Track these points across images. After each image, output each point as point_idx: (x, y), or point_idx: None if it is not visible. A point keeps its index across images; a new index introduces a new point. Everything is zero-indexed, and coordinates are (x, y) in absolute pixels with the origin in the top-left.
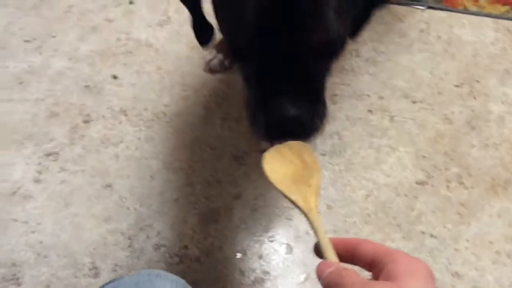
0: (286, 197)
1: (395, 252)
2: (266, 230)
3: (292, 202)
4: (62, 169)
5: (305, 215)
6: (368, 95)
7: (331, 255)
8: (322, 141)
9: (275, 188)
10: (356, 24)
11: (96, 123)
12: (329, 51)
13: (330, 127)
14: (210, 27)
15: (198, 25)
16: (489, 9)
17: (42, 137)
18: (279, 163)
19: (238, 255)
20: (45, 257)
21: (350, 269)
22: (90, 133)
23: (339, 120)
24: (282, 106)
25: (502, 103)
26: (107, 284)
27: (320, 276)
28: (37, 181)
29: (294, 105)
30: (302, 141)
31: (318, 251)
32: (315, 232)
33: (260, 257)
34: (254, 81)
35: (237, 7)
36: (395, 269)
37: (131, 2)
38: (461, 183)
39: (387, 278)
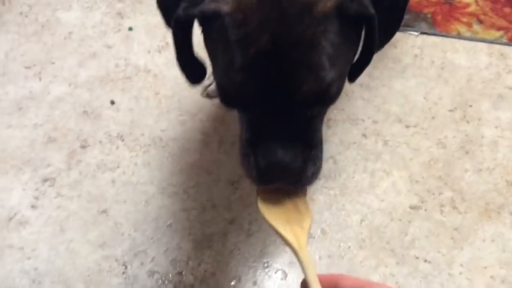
0: (278, 233)
1: (374, 285)
2: (260, 256)
3: (284, 239)
4: (59, 195)
5: (296, 253)
6: (362, 120)
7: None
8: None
9: (269, 224)
10: (356, 67)
11: (93, 149)
12: (323, 99)
13: (325, 151)
14: (201, 65)
15: (188, 63)
16: (483, 34)
17: (40, 163)
18: (272, 202)
19: (233, 282)
20: (39, 283)
21: None
22: (86, 158)
23: (334, 144)
24: (274, 152)
25: (496, 127)
26: None
27: None
28: (33, 206)
29: (286, 151)
30: (296, 187)
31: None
32: (304, 270)
33: (255, 283)
34: (246, 124)
35: (226, 55)
36: None
37: (130, 29)
38: (455, 208)
39: None
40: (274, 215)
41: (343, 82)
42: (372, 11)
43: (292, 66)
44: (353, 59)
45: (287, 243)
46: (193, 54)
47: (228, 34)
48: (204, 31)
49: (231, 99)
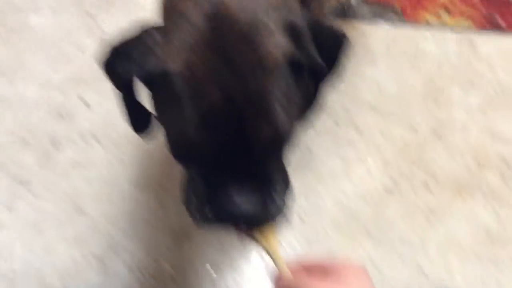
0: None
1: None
2: (238, 243)
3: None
4: (34, 196)
5: (266, 250)
6: (335, 109)
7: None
8: (292, 154)
9: None
10: (305, 108)
11: (66, 148)
12: (279, 145)
13: (299, 140)
14: (147, 113)
15: (134, 115)
16: (451, 23)
17: (13, 165)
18: None
19: (212, 270)
20: (15, 284)
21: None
22: (61, 158)
23: (308, 133)
24: (232, 202)
25: (466, 112)
26: None
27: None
28: (9, 209)
29: (243, 199)
30: (262, 225)
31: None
32: (275, 262)
33: (234, 269)
34: (199, 176)
35: (178, 114)
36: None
37: (103, 30)
38: (428, 190)
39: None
40: None
41: (296, 128)
42: (320, 61)
43: (247, 119)
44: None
45: (255, 242)
46: (138, 106)
47: (178, 92)
48: (152, 92)
49: (186, 156)
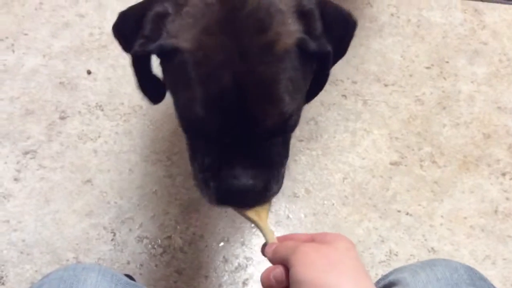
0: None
1: (328, 234)
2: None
3: (244, 215)
4: (41, 167)
5: (256, 224)
6: (342, 80)
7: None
8: (299, 128)
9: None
10: (310, 92)
11: (73, 119)
12: (284, 129)
13: (306, 113)
14: (162, 85)
15: (149, 88)
16: None
17: (19, 136)
18: None
19: (221, 243)
20: (28, 254)
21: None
22: (67, 129)
23: (314, 106)
24: (236, 179)
25: (472, 82)
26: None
27: (272, 252)
28: (16, 179)
29: (247, 177)
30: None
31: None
32: (264, 235)
33: (243, 243)
34: (205, 151)
35: (187, 90)
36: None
37: None
38: (434, 162)
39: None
40: None
41: (300, 110)
42: (329, 48)
43: (254, 102)
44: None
45: (247, 218)
46: (153, 78)
47: (189, 71)
48: (162, 64)
49: (193, 131)
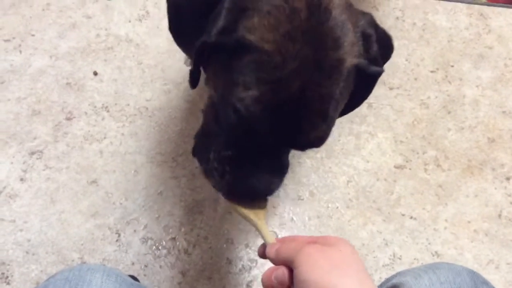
0: (239, 214)
1: (328, 237)
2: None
3: (243, 216)
4: (47, 167)
5: (254, 224)
6: None
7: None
8: None
9: (232, 208)
10: (347, 108)
11: (79, 120)
12: (319, 144)
13: None
14: (199, 71)
15: (197, 75)
16: None
17: (26, 136)
18: None
19: (225, 245)
20: (33, 254)
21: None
22: (73, 130)
23: None
24: (251, 178)
25: (476, 86)
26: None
27: (274, 254)
28: (22, 179)
29: (261, 180)
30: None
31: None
32: (263, 236)
33: (247, 245)
34: (230, 141)
35: (249, 87)
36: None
37: None
38: (438, 166)
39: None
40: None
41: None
42: (383, 67)
43: (308, 114)
44: None
45: (246, 218)
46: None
47: (260, 72)
48: (217, 54)
49: (237, 125)
